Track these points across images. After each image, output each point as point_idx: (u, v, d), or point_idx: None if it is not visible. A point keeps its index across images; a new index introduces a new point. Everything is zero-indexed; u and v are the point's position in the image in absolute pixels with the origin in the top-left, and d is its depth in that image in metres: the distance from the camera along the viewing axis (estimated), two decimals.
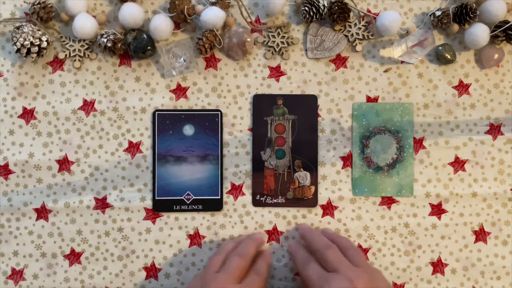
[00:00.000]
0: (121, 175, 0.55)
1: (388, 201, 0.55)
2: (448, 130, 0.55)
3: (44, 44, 0.52)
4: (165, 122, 0.55)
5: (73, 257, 0.55)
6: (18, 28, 0.52)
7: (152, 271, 0.55)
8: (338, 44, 0.55)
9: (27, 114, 0.55)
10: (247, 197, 0.55)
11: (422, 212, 0.55)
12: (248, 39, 0.54)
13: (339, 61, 0.55)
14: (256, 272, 0.50)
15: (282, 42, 0.55)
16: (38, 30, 0.52)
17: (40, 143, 0.54)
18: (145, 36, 0.53)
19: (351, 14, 0.54)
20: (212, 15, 0.52)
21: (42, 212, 0.55)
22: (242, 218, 0.55)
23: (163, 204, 0.55)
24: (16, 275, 0.55)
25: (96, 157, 0.55)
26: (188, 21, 0.54)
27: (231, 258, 0.50)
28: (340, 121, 0.55)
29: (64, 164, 0.55)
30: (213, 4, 0.53)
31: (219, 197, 0.55)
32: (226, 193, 0.55)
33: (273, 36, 0.55)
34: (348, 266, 0.47)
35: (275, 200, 0.55)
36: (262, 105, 0.55)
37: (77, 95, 0.55)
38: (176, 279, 0.55)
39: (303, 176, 0.55)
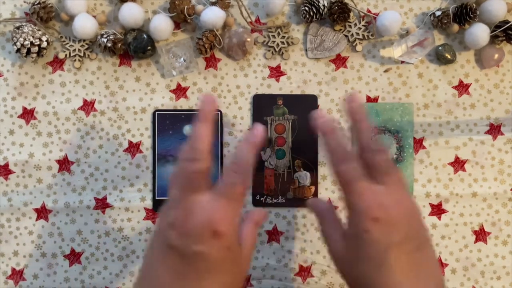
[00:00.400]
0: (121, 175, 0.55)
1: None
2: (448, 130, 0.55)
3: (44, 44, 0.52)
4: (165, 122, 0.55)
5: (73, 257, 0.55)
6: (18, 28, 0.52)
7: None
8: (338, 44, 0.55)
9: (27, 114, 0.55)
10: (247, 197, 0.55)
11: (422, 212, 0.55)
12: (248, 39, 0.54)
13: (339, 61, 0.55)
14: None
15: (282, 42, 0.55)
16: (38, 30, 0.52)
17: (40, 143, 0.54)
18: (145, 36, 0.53)
19: (351, 14, 0.54)
20: (212, 15, 0.52)
21: (42, 212, 0.55)
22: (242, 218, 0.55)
23: (163, 204, 0.55)
24: (16, 275, 0.55)
25: (96, 157, 0.55)
26: (188, 21, 0.54)
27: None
28: (340, 121, 0.55)
29: (64, 164, 0.55)
30: (213, 4, 0.53)
31: None
32: None
33: (273, 36, 0.55)
34: (396, 180, 0.38)
35: (275, 200, 0.55)
36: (262, 105, 0.55)
37: (77, 95, 0.55)
38: None
39: (303, 176, 0.55)
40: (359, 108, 0.39)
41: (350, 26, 0.55)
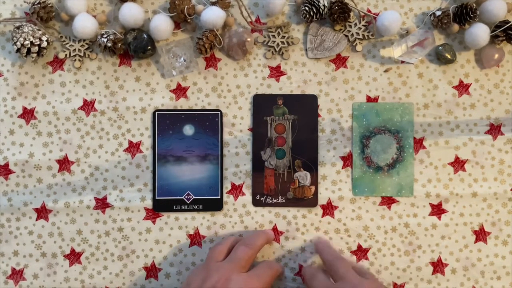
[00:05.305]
0: (121, 175, 0.55)
1: (388, 201, 0.55)
2: (448, 130, 0.55)
3: (44, 44, 0.52)
4: (165, 122, 0.55)
5: (73, 257, 0.55)
6: (18, 28, 0.52)
7: (152, 271, 0.55)
8: (338, 44, 0.55)
9: (27, 114, 0.55)
10: (247, 197, 0.55)
11: (422, 212, 0.55)
12: (248, 39, 0.54)
13: (339, 61, 0.55)
14: (269, 265, 0.50)
15: (282, 42, 0.55)
16: (38, 30, 0.52)
17: (40, 143, 0.54)
18: (145, 36, 0.53)
19: (351, 14, 0.54)
20: (212, 15, 0.52)
21: (42, 212, 0.55)
22: (242, 218, 0.55)
23: (163, 204, 0.55)
24: (16, 275, 0.55)
25: (96, 157, 0.55)
26: (188, 21, 0.54)
27: (237, 248, 0.49)
28: (340, 121, 0.55)
29: (64, 164, 0.55)
30: (213, 4, 0.53)
31: (219, 197, 0.55)
32: (226, 193, 0.55)
33: (273, 36, 0.55)
34: (355, 276, 0.47)
35: (275, 200, 0.55)
36: (262, 105, 0.55)
37: (77, 95, 0.55)
38: (176, 279, 0.55)
39: (303, 176, 0.55)
40: (323, 244, 0.54)
41: (350, 26, 0.55)
